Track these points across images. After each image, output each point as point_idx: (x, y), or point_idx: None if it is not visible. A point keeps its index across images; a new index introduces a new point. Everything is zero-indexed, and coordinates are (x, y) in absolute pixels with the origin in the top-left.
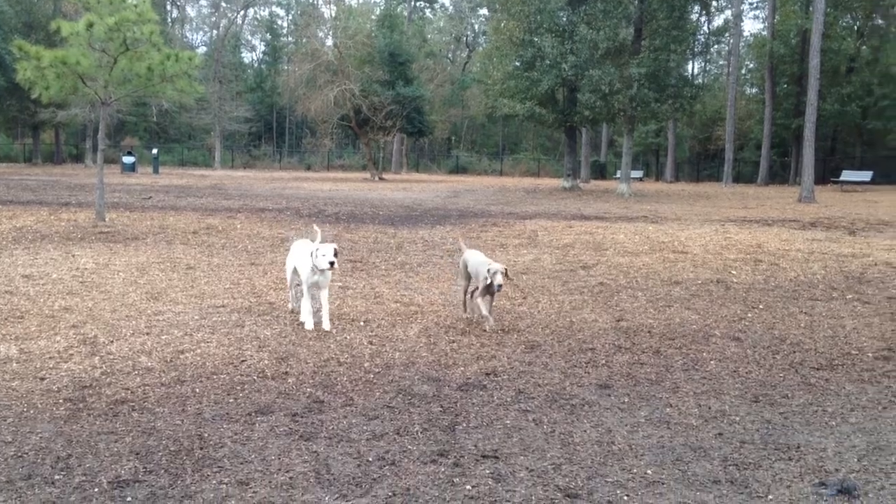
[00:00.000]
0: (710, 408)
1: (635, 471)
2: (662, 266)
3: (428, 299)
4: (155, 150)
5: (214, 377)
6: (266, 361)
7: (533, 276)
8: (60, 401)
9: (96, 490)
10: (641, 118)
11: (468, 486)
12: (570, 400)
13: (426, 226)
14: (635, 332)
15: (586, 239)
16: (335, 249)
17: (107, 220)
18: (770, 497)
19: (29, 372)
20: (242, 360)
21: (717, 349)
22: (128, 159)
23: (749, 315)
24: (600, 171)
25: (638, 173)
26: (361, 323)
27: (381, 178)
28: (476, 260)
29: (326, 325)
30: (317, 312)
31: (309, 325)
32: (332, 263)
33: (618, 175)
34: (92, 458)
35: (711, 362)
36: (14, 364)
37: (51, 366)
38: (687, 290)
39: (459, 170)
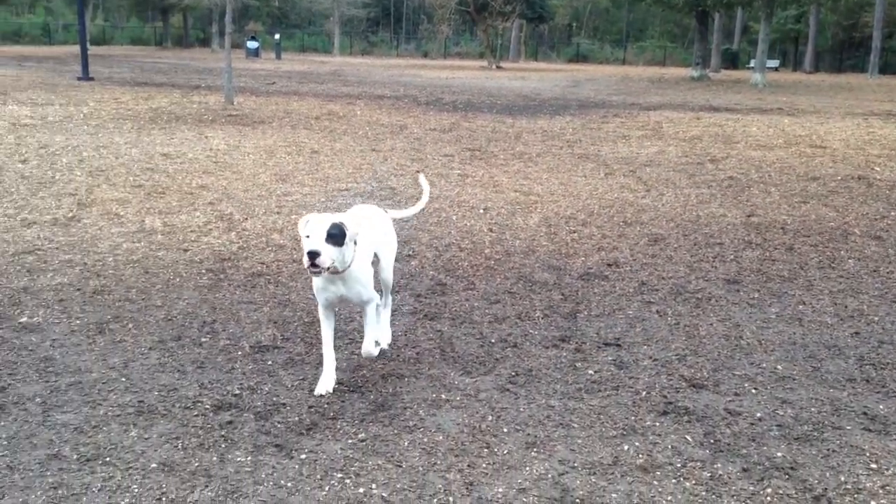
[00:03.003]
0: (846, 307)
1: (764, 366)
2: (798, 161)
3: (547, 189)
4: (277, 36)
5: None
6: None
7: (657, 168)
8: (203, 271)
9: (239, 353)
10: (781, 2)
11: (590, 371)
12: (695, 294)
13: (545, 116)
14: (767, 228)
15: (715, 131)
16: (334, 226)
17: (235, 103)
18: None
19: (173, 244)
20: None
21: (856, 248)
22: (252, 44)
23: (893, 214)
24: (732, 61)
25: (774, 63)
26: (481, 210)
27: (498, 67)
28: None
29: (369, 349)
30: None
31: (322, 388)
32: (313, 256)
33: (751, 64)
34: (234, 325)
35: (849, 261)
36: (159, 236)
37: (192, 239)
38: (825, 187)
39: (580, 58)
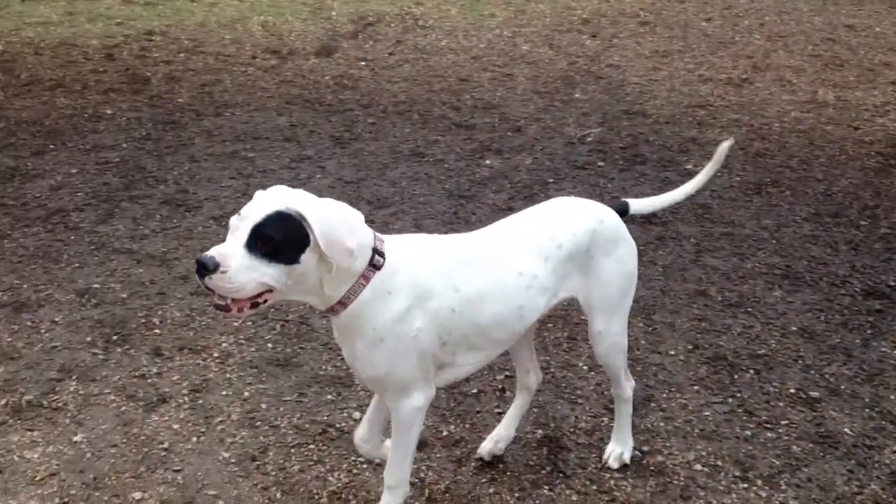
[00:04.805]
0: None
1: None
2: None
3: None
4: None
5: None
6: None
7: None
8: (872, 153)
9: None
10: None
11: None
12: None
13: None
14: None
15: None
16: (276, 218)
17: None
18: None
19: (844, 119)
20: None
21: None
22: None
23: None
24: None
25: None
26: None
27: None
28: None
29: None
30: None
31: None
32: (203, 271)
33: None
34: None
35: None
36: (830, 110)
37: (865, 118)
38: None
39: None
